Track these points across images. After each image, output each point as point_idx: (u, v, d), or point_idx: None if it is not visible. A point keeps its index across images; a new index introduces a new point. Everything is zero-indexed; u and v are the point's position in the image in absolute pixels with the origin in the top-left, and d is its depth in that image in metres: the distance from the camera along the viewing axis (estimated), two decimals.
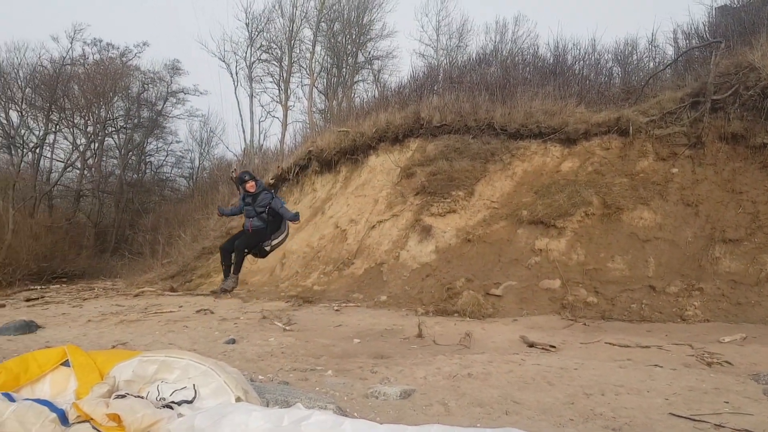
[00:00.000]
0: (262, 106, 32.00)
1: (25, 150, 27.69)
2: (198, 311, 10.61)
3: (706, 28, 15.46)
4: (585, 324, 9.03)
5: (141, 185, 31.69)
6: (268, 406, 3.56)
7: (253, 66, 30.38)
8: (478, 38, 53.65)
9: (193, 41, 70.67)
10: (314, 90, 29.69)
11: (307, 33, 29.82)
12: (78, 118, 29.20)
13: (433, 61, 26.35)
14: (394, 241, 13.12)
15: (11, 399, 3.09)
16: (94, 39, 30.15)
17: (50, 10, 53.16)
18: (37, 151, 27.80)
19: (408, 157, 14.81)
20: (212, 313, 10.46)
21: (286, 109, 29.59)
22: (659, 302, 9.48)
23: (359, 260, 13.28)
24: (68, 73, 27.90)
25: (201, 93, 32.99)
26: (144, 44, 31.08)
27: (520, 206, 12.28)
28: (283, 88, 30.06)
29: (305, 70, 30.17)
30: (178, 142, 34.49)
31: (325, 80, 30.37)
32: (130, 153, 31.95)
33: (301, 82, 30.66)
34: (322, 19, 29.06)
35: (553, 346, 7.20)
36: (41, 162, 28.14)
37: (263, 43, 30.32)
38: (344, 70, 29.68)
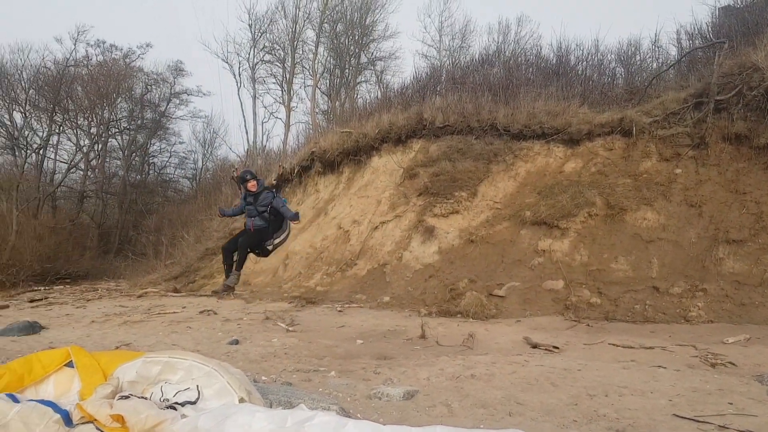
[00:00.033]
0: (265, 107, 32.07)
1: (28, 151, 27.80)
2: (201, 312, 10.62)
3: (710, 29, 15.44)
4: (588, 325, 9.01)
5: (144, 186, 31.72)
6: (271, 407, 3.56)
7: (256, 67, 30.50)
8: (480, 39, 53.70)
9: (194, 42, 70.85)
10: (317, 91, 29.76)
11: (310, 34, 29.94)
12: (81, 119, 29.27)
13: (435, 62, 26.39)
14: (397, 242, 13.12)
15: (15, 400, 3.10)
16: (98, 40, 30.26)
17: (51, 10, 53.48)
18: (41, 152, 27.90)
19: (411, 158, 14.81)
20: (215, 314, 10.47)
21: (289, 110, 29.67)
22: (663, 303, 9.46)
23: (362, 261, 13.28)
24: (72, 75, 27.96)
25: (204, 94, 33.09)
26: (147, 45, 31.18)
27: (523, 207, 12.27)
28: (286, 89, 30.17)
29: (308, 71, 30.28)
30: (181, 143, 34.58)
31: (328, 81, 30.43)
32: (134, 154, 32.00)
33: (304, 83, 30.79)
34: (325, 20, 29.12)
35: (557, 347, 7.19)
36: (45, 163, 28.26)
37: (266, 44, 30.46)
38: (347, 71, 29.73)
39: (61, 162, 29.44)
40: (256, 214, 7.79)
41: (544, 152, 13.34)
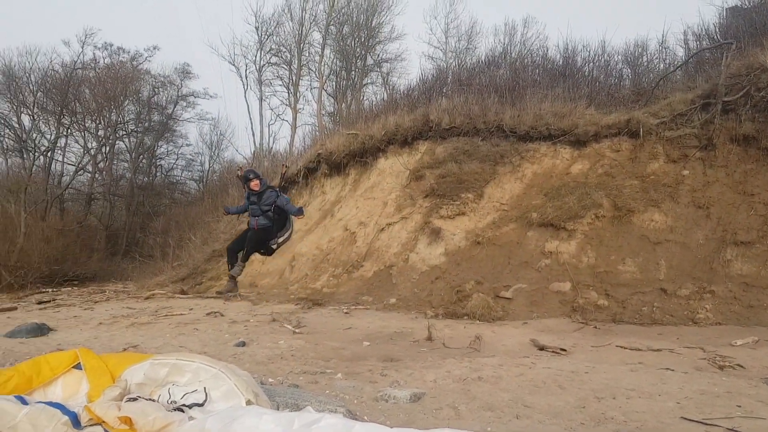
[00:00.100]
0: (272, 109, 32.21)
1: (36, 154, 27.99)
2: (208, 314, 10.62)
3: (717, 29, 15.40)
4: (596, 327, 8.97)
5: (151, 188, 31.90)
6: (278, 409, 3.56)
7: (263, 69, 30.57)
8: (486, 40, 53.54)
9: (197, 43, 71.04)
10: (323, 93, 29.83)
11: (317, 36, 30.02)
12: (89, 121, 29.48)
13: (441, 64, 26.41)
14: (404, 243, 13.12)
15: (24, 402, 3.11)
16: (105, 43, 30.51)
17: (51, 10, 53.66)
18: (49, 154, 28.09)
19: (417, 160, 14.81)
20: (222, 315, 10.47)
21: (295, 112, 29.73)
22: (670, 305, 9.41)
23: (368, 263, 13.27)
24: (79, 77, 28.17)
25: (211, 96, 33.25)
26: (154, 48, 31.38)
27: (530, 209, 12.24)
28: (292, 91, 30.26)
29: (314, 73, 30.32)
30: (188, 145, 34.79)
31: (334, 83, 30.50)
32: (141, 156, 32.17)
33: (311, 85, 30.83)
34: (331, 23, 29.18)
35: (564, 350, 7.16)
36: (53, 165, 28.49)
37: (273, 46, 30.55)
38: (353, 72, 29.76)
39: (69, 164, 29.68)
40: (260, 213, 7.81)
41: (550, 154, 13.31)
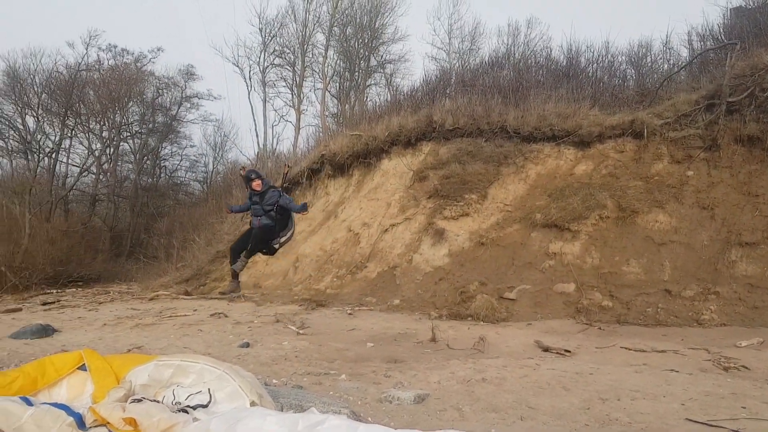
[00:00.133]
0: (276, 111, 32.20)
1: (41, 155, 28.09)
2: (212, 315, 10.65)
3: (721, 30, 15.37)
4: (600, 328, 8.97)
5: (156, 189, 31.95)
6: (282, 411, 3.57)
7: (267, 71, 30.58)
8: (490, 41, 53.55)
9: (201, 44, 71.17)
10: (327, 94, 29.83)
11: (320, 37, 30.02)
12: (93, 123, 29.54)
13: (445, 65, 26.41)
14: (407, 244, 13.12)
15: (29, 403, 3.12)
16: (109, 45, 30.55)
17: (50, 10, 53.83)
18: (53, 156, 28.15)
19: (421, 161, 14.81)
20: (226, 316, 10.50)
21: (299, 113, 29.76)
22: (675, 306, 9.39)
23: (372, 264, 13.28)
24: (84, 79, 28.21)
25: (215, 98, 33.30)
26: (158, 50, 31.43)
27: (534, 209, 12.23)
28: (296, 92, 30.27)
29: (318, 74, 30.34)
30: (192, 146, 34.84)
31: (337, 84, 30.49)
32: (145, 158, 32.26)
33: (314, 86, 30.84)
34: (335, 24, 29.18)
35: (568, 351, 7.16)
36: (57, 167, 28.51)
37: (276, 47, 30.56)
38: (357, 73, 29.75)
39: (74, 166, 29.75)
40: (263, 213, 7.80)
41: (554, 154, 13.30)
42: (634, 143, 12.46)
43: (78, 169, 29.31)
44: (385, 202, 14.72)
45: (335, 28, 29.33)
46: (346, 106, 28.60)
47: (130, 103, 30.52)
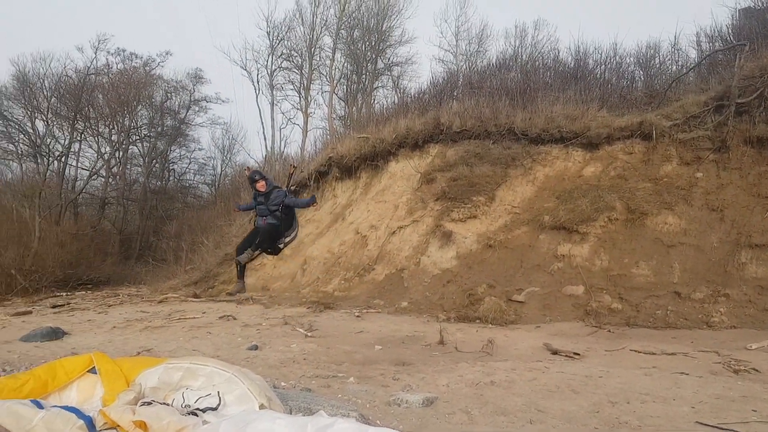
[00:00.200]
0: (283, 114, 32.25)
1: (50, 159, 28.27)
2: (221, 317, 10.68)
3: (730, 31, 15.29)
4: (609, 331, 8.92)
5: (164, 192, 32.08)
6: (291, 414, 3.57)
7: (275, 74, 30.66)
8: (497, 43, 53.36)
9: (207, 46, 71.44)
10: (334, 97, 29.89)
11: (327, 40, 30.08)
12: (103, 126, 29.74)
13: (452, 67, 26.44)
14: (415, 246, 13.11)
15: (40, 406, 3.14)
16: (118, 49, 30.68)
17: (50, 10, 54.15)
18: (63, 159, 28.31)
19: (428, 163, 14.81)
20: (235, 319, 10.52)
21: (306, 116, 29.81)
22: (685, 308, 9.34)
23: (380, 266, 13.28)
24: (93, 83, 28.36)
25: (223, 101, 33.42)
26: (167, 53, 31.56)
27: (542, 211, 12.20)
28: (303, 95, 30.33)
29: (325, 77, 30.39)
30: (200, 149, 34.94)
31: (345, 87, 30.56)
32: (154, 161, 32.42)
33: (322, 89, 30.90)
34: (342, 27, 29.23)
35: (578, 354, 7.13)
36: (67, 170, 28.67)
37: (284, 51, 30.62)
38: (364, 76, 29.79)
39: (83, 169, 29.94)
40: (268, 213, 7.83)
41: (562, 156, 13.26)
42: (642, 145, 12.41)
43: (87, 173, 29.54)
44: (392, 204, 14.73)
45: (342, 31, 29.38)
46: (354, 108, 28.65)
47: (139, 107, 30.71)
